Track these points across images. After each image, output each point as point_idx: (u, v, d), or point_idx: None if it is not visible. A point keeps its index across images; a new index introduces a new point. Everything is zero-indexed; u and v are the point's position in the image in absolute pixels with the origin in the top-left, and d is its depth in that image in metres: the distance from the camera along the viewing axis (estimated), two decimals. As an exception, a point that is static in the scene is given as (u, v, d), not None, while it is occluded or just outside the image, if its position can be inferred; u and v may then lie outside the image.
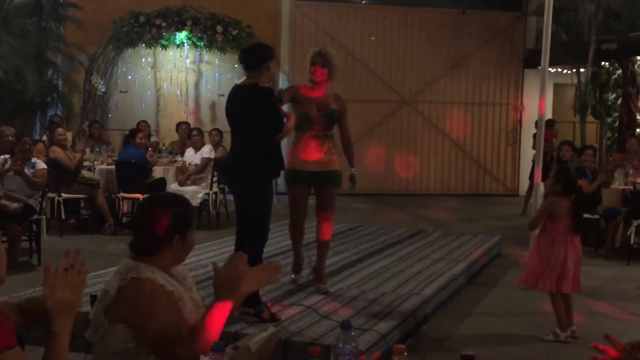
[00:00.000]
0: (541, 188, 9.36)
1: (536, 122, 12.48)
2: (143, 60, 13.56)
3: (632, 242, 8.37)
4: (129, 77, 13.55)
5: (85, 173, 9.70)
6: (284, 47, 13.59)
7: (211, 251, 7.42)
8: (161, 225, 2.54)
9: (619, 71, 13.36)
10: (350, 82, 13.87)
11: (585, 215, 8.79)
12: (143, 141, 9.95)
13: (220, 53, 13.31)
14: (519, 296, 6.35)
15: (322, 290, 5.76)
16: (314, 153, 5.62)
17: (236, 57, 13.32)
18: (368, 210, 12.12)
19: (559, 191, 5.41)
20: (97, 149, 10.58)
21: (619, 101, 13.47)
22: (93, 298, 2.77)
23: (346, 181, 5.88)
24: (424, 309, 5.75)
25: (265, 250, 5.14)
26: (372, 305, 5.51)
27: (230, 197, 9.58)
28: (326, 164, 5.63)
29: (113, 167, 9.53)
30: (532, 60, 13.47)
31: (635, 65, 13.33)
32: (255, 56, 4.99)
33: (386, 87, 14.21)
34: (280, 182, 12.54)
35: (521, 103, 14.55)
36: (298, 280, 5.89)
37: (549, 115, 13.49)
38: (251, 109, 4.91)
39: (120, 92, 13.51)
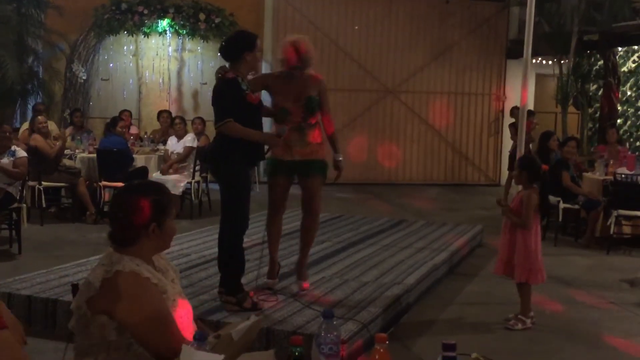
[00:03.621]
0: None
1: (511, 111, 12.63)
2: (125, 48, 13.45)
3: (612, 232, 8.45)
4: (111, 64, 13.44)
5: (66, 161, 9.63)
6: (267, 36, 13.53)
7: (193, 240, 7.40)
8: (135, 214, 2.51)
9: (601, 62, 13.46)
10: (334, 71, 13.87)
11: (566, 206, 8.92)
12: (123, 130, 9.88)
13: (203, 41, 13.23)
14: (500, 285, 6.39)
15: (297, 288, 5.54)
16: (297, 145, 5.33)
17: (219, 45, 13.33)
18: (350, 200, 12.14)
19: (526, 180, 5.45)
20: (78, 137, 10.50)
21: (600, 92, 13.57)
22: (74, 287, 2.75)
23: (332, 169, 5.61)
24: (406, 298, 5.78)
25: (245, 239, 5.13)
26: (354, 294, 5.53)
27: (212, 185, 9.56)
28: (309, 154, 5.37)
29: (94, 155, 9.46)
30: (514, 50, 13.52)
31: (617, 56, 13.43)
32: (231, 47, 4.96)
33: (369, 76, 14.21)
34: (264, 172, 12.58)
35: (504, 93, 14.62)
36: (274, 285, 5.58)
37: (530, 105, 13.60)
38: (215, 100, 4.94)
39: (102, 80, 13.40)
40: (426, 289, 6.39)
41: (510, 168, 11.76)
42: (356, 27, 14.10)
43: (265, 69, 13.24)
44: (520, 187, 5.67)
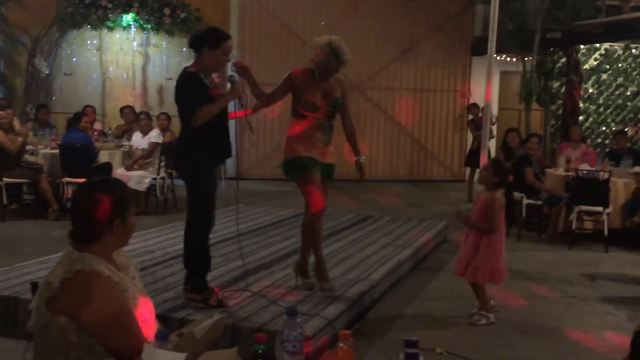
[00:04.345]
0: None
1: (468, 108, 12.75)
2: (88, 42, 13.28)
3: (573, 227, 8.59)
4: (74, 59, 13.26)
5: (28, 157, 9.47)
6: (233, 32, 13.44)
7: (158, 237, 7.34)
8: (101, 210, 2.48)
9: (563, 60, 13.64)
10: (300, 67, 13.83)
11: (529, 201, 9.04)
12: (87, 126, 9.76)
13: (168, 36, 13.14)
14: (464, 281, 6.44)
15: (332, 290, 5.41)
16: (319, 144, 5.32)
17: (184, 40, 13.20)
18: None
19: (495, 183, 5.50)
20: (41, 133, 10.34)
21: (563, 89, 13.76)
22: (34, 285, 2.70)
23: (352, 171, 5.76)
24: (371, 293, 5.80)
25: (212, 236, 5.10)
26: (320, 290, 5.53)
27: (177, 182, 9.49)
28: (328, 156, 5.40)
29: (57, 151, 9.33)
30: (479, 47, 13.63)
31: (579, 54, 13.62)
32: (194, 39, 4.92)
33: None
34: (230, 168, 12.53)
35: (468, 90, 14.74)
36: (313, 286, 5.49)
37: (495, 102, 13.75)
38: (177, 94, 4.89)
39: (65, 74, 13.22)
40: (391, 285, 6.43)
41: (468, 164, 11.88)
42: (322, 23, 14.07)
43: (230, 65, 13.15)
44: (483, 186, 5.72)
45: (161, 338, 2.17)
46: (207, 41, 4.83)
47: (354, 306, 5.36)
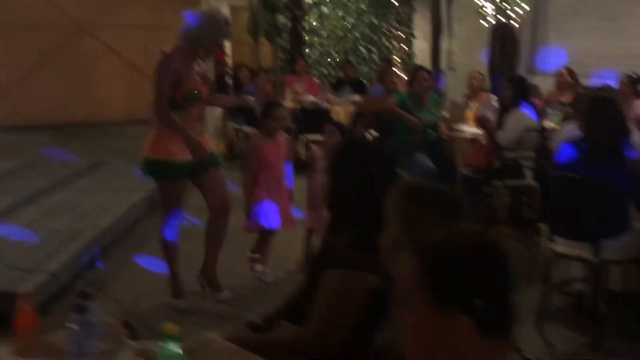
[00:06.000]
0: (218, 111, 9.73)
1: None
2: None
3: (303, 157, 9.04)
4: None
5: None
6: None
7: None
8: None
9: (288, -7, 14.01)
10: (15, 6, 12.77)
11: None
12: None
13: None
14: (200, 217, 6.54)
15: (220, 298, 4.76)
16: (198, 137, 4.52)
17: None
18: (47, 144, 11.49)
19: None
20: None
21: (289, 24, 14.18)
22: None
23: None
24: (100, 241, 5.69)
25: None
26: (44, 245, 5.31)
27: None
28: (206, 145, 4.60)
29: None
30: (206, -18, 13.53)
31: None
32: None
33: (57, 11, 13.34)
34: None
35: (198, 25, 14.62)
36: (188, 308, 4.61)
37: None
38: None
39: None
40: (125, 230, 6.34)
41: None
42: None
43: None
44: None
45: None
46: None
47: (81, 256, 5.23)
